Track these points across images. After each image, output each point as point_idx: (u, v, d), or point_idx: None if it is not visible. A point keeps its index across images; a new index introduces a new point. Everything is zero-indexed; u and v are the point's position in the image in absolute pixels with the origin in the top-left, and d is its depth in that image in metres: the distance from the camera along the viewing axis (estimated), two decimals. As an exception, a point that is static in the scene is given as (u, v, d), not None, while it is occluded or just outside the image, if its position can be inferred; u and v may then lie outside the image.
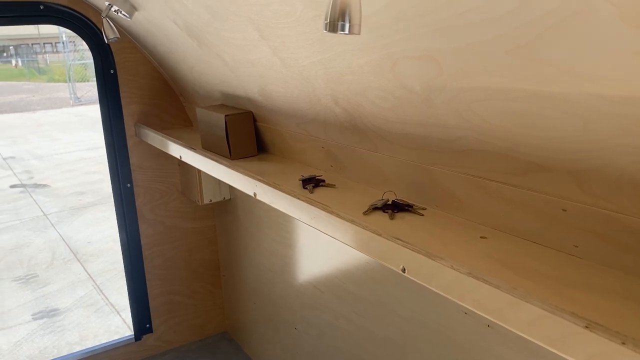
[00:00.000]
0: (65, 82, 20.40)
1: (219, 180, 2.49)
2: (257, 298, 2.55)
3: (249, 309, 2.66)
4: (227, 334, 2.95)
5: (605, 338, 0.67)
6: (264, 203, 2.31)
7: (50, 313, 4.60)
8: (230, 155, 1.85)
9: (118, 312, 4.54)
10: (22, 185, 8.49)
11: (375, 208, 1.29)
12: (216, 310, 2.91)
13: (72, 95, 17.53)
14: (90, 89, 19.23)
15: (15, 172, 9.35)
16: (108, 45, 2.28)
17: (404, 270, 1.01)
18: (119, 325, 4.36)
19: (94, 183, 8.39)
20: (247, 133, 1.89)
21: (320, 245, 1.99)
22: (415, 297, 1.57)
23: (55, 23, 2.19)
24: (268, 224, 2.30)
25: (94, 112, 15.64)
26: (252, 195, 1.51)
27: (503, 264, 0.96)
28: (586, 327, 0.70)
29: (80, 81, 20.15)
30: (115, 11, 1.83)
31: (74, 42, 20.64)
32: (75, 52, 21.75)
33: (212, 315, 2.90)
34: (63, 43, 19.24)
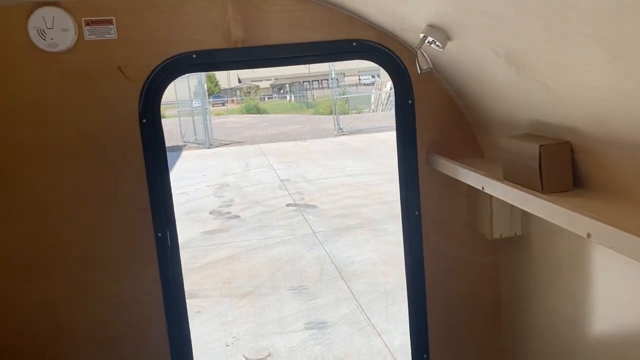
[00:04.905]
0: (330, 114, 22.71)
1: (512, 215, 2.34)
2: (543, 345, 2.30)
3: (531, 355, 2.42)
4: (501, 378, 2.74)
5: None
6: (567, 243, 2.08)
7: (320, 325, 4.98)
8: (542, 188, 1.70)
9: (379, 334, 4.68)
10: (295, 205, 9.56)
11: None
12: (493, 350, 2.73)
13: (336, 126, 19.30)
14: (352, 120, 21.00)
15: (289, 192, 10.61)
16: (408, 76, 2.36)
17: None
18: (380, 347, 4.48)
19: (354, 207, 8.98)
20: (563, 165, 1.72)
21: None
22: None
23: (364, 58, 2.37)
24: (570, 267, 2.06)
25: (355, 141, 16.95)
26: (585, 236, 1.34)
27: None
28: None
29: (342, 114, 22.20)
30: (428, 42, 1.87)
31: (337, 79, 22.78)
32: (339, 88, 24.04)
33: (488, 354, 2.73)
34: (331, 80, 21.38)
